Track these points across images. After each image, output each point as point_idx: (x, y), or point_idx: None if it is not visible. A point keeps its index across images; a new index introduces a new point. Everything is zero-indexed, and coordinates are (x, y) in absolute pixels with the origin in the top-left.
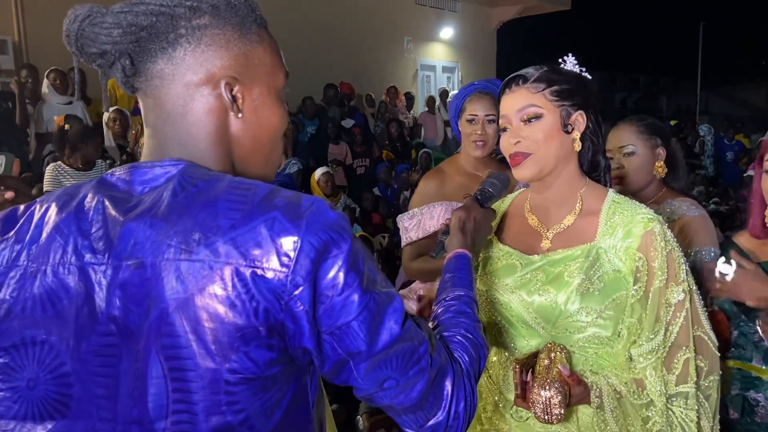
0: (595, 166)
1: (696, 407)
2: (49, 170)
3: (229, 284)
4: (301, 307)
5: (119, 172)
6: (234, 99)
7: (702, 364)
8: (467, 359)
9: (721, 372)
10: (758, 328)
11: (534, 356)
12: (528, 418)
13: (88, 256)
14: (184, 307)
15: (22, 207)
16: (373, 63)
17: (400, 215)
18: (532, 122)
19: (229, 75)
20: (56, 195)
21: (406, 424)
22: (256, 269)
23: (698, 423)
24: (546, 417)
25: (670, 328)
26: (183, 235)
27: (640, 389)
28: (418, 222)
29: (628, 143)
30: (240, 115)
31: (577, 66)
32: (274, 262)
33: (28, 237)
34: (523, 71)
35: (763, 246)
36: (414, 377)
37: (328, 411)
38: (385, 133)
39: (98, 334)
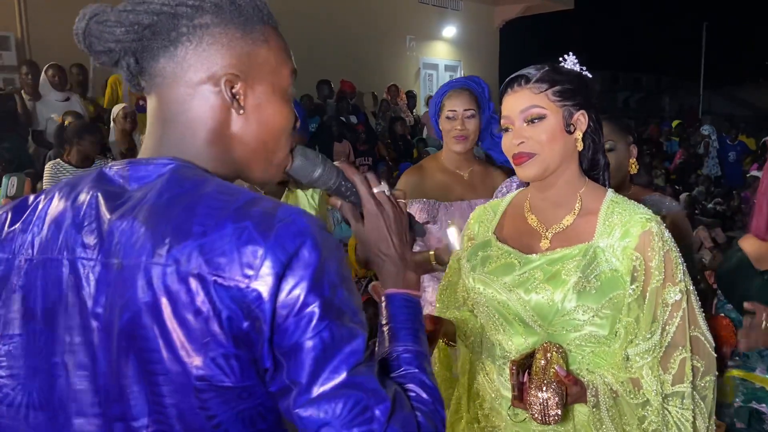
0: (595, 165)
1: (692, 407)
2: (48, 168)
3: (194, 291)
4: (262, 322)
5: (118, 167)
6: (235, 96)
7: (698, 365)
8: None
9: (717, 373)
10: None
11: (530, 356)
12: (525, 419)
13: (79, 251)
14: (153, 311)
15: (32, 197)
16: (375, 61)
17: None
18: (536, 123)
19: (230, 72)
20: (59, 186)
21: None
22: (218, 278)
23: (694, 423)
24: (543, 419)
25: (667, 327)
26: (156, 238)
27: (637, 389)
28: None
29: (608, 139)
30: (242, 111)
31: (577, 65)
32: (236, 272)
33: (31, 227)
34: (524, 71)
35: None
36: None
37: None
38: (386, 131)
39: (83, 329)
